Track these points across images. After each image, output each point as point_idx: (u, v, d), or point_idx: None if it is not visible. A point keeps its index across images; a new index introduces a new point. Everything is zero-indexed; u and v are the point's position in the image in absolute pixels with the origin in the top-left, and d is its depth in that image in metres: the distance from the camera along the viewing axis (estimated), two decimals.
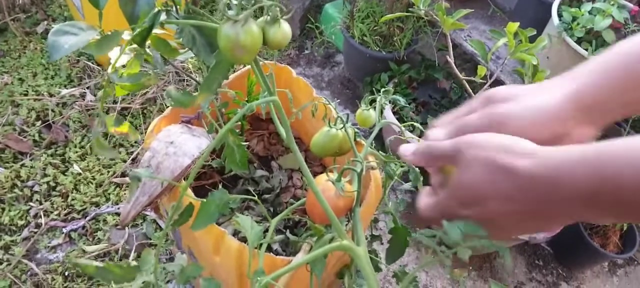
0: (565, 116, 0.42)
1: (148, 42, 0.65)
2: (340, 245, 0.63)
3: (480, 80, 0.99)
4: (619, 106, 0.42)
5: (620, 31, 1.16)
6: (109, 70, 0.61)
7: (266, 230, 0.71)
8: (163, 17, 0.56)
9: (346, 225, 0.79)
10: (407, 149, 0.52)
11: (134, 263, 0.53)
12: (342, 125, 0.79)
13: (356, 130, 0.95)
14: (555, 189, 0.35)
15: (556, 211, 0.36)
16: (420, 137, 0.76)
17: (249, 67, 0.93)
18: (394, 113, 1.58)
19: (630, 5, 1.23)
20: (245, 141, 1.00)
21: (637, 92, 0.41)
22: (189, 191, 0.71)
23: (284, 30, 0.50)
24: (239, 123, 0.92)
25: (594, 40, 1.15)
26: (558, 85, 0.44)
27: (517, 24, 1.07)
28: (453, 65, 1.10)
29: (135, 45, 0.56)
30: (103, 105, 0.61)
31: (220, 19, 0.46)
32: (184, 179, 0.75)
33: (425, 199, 0.48)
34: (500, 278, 1.50)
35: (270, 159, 1.01)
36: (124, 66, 0.65)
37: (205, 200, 0.62)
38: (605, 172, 0.33)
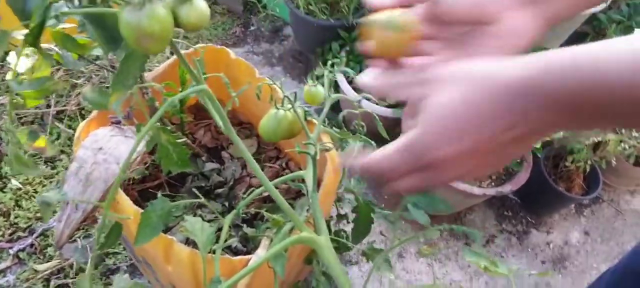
0: None
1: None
2: (299, 238, 0.58)
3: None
4: None
5: None
6: (8, 76, 0.52)
7: (221, 229, 0.65)
8: (62, 8, 0.48)
9: (307, 211, 0.74)
10: (366, 77, 0.44)
11: None
12: (290, 106, 0.73)
13: (306, 109, 0.88)
14: (546, 92, 0.31)
15: (545, 121, 0.32)
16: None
17: None
18: (350, 83, 1.53)
19: None
20: (190, 133, 0.93)
21: None
22: (128, 201, 0.64)
23: (199, 8, 0.43)
24: (178, 116, 0.85)
25: None
26: None
27: None
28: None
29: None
30: (12, 116, 0.53)
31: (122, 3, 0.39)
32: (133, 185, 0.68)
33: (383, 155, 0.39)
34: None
35: (220, 149, 0.93)
36: (29, 71, 0.57)
37: (144, 211, 0.55)
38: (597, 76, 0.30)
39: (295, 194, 0.90)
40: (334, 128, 0.82)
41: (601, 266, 1.47)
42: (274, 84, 0.79)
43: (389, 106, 1.44)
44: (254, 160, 0.55)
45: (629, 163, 1.44)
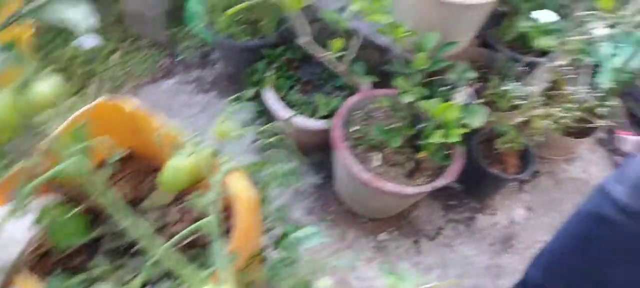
0: None
1: None
2: None
3: (338, 54, 0.95)
4: None
5: None
6: None
7: None
8: None
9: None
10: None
11: None
12: (192, 151, 0.72)
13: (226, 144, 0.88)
14: None
15: None
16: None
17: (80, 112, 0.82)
18: (283, 99, 1.52)
19: None
20: (113, 185, 0.90)
21: None
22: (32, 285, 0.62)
23: (46, 88, 0.42)
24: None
25: None
26: None
27: None
28: (309, 43, 1.05)
29: None
30: None
31: None
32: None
33: None
34: (419, 229, 1.51)
35: (139, 201, 0.91)
36: None
37: None
38: None
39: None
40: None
41: (546, 238, 1.51)
42: (178, 128, 0.78)
43: (321, 118, 1.44)
44: (139, 226, 0.53)
45: (557, 135, 1.49)
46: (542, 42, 1.09)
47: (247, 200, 0.76)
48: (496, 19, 1.60)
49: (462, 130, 1.07)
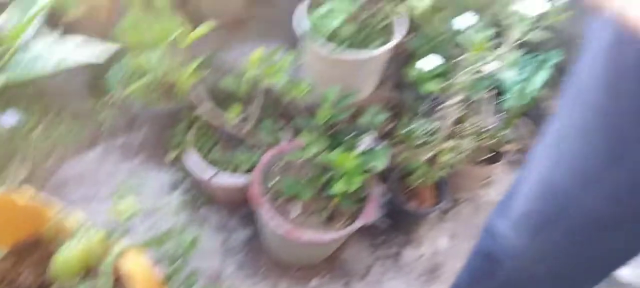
0: None
1: None
2: None
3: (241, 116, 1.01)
4: None
5: (357, 20, 1.25)
6: None
7: None
8: None
9: None
10: None
11: None
12: (82, 237, 0.74)
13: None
14: None
15: None
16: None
17: None
18: (205, 158, 1.55)
19: None
20: (11, 281, 0.90)
21: None
22: None
23: None
24: None
25: (338, 38, 1.23)
26: None
27: (260, 50, 1.09)
28: (210, 111, 1.10)
29: None
30: None
31: None
32: None
33: None
34: (350, 269, 1.56)
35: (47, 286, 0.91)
36: None
37: None
38: None
39: None
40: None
41: None
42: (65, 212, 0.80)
43: (245, 172, 1.48)
44: None
45: (469, 164, 1.58)
46: (428, 87, 1.18)
47: (144, 280, 0.78)
48: (406, 60, 1.70)
49: (364, 177, 1.13)
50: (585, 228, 0.76)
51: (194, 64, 1.02)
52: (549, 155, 0.78)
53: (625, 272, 1.46)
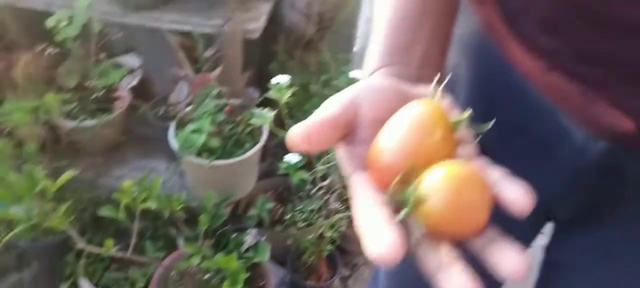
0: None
1: None
2: None
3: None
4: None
5: (222, 133, 1.37)
6: None
7: None
8: None
9: None
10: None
11: None
12: None
13: None
14: None
15: None
16: None
17: None
18: (97, 283, 1.55)
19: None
20: None
21: None
22: None
23: None
24: None
25: (207, 151, 1.33)
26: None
27: (129, 182, 1.15)
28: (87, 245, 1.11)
29: None
30: None
31: None
32: None
33: None
34: None
35: None
36: None
37: None
38: None
39: None
40: None
41: None
42: None
43: None
44: None
45: (354, 236, 1.71)
46: (297, 177, 1.31)
47: None
48: (284, 150, 1.84)
49: (249, 273, 1.21)
50: None
51: (63, 208, 1.06)
52: None
53: None
